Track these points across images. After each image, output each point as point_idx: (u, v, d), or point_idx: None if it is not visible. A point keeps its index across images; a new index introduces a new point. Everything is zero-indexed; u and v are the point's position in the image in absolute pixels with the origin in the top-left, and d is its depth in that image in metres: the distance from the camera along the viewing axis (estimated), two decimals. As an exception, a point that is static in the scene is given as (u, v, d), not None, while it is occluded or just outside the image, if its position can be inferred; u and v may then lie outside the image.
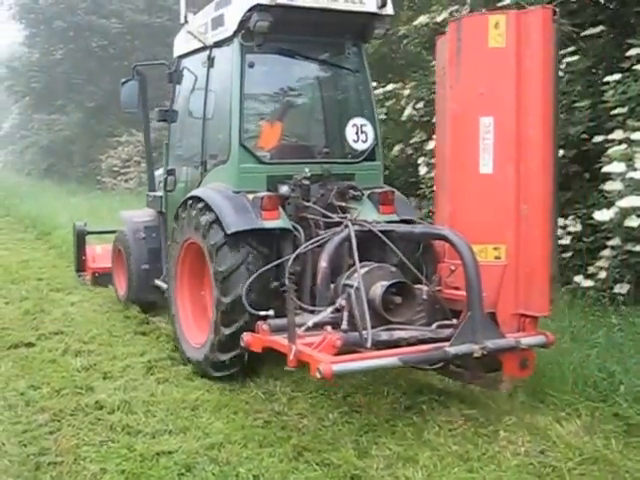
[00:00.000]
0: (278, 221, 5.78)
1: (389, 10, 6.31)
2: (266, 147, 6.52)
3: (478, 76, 5.15)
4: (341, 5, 6.05)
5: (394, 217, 6.15)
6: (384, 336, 4.86)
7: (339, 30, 6.36)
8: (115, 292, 8.89)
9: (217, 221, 5.78)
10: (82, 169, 28.61)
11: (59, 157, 30.98)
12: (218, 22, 6.38)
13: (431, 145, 9.59)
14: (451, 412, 5.30)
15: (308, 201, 5.99)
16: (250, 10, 5.92)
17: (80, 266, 9.55)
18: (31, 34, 30.58)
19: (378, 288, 5.03)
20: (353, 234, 5.24)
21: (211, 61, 6.59)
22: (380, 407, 5.46)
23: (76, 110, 28.77)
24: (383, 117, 10.94)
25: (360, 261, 5.11)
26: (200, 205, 6.05)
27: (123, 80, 7.59)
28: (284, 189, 6.01)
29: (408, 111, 10.75)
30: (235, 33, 6.13)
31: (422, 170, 10.05)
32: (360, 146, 6.41)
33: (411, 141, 10.96)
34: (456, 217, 5.36)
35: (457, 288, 5.14)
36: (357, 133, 6.33)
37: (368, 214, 6.00)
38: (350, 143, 6.39)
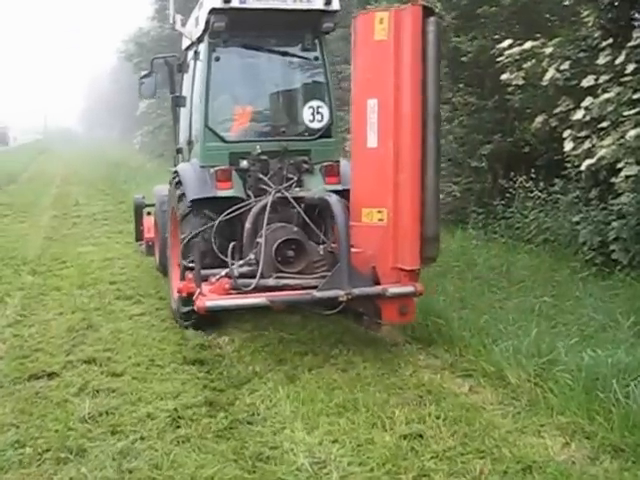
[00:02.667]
0: (230, 190, 6.72)
1: (335, 6, 6.97)
2: (238, 128, 7.36)
3: (367, 64, 5.99)
4: (290, 5, 6.85)
5: (338, 187, 6.78)
6: (271, 282, 5.92)
7: (293, 25, 7.17)
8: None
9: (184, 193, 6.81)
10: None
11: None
12: (197, 21, 7.37)
13: (579, 114, 8.19)
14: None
15: (267, 174, 6.83)
16: (210, 12, 6.81)
17: (138, 236, 9.86)
18: (161, 7, 29.36)
19: (275, 243, 6.00)
20: (270, 201, 6.31)
21: (196, 54, 7.58)
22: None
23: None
24: (520, 82, 9.25)
25: (281, 222, 6.31)
26: (177, 179, 7.10)
27: (143, 74, 8.65)
28: (244, 164, 6.90)
29: (550, 73, 8.78)
30: (203, 32, 7.11)
31: (568, 146, 8.38)
32: (316, 125, 7.20)
33: (555, 110, 9.10)
34: (354, 185, 6.24)
35: (351, 246, 5.90)
36: (313, 114, 7.17)
37: (315, 184, 6.90)
38: (307, 123, 7.19)
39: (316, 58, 7.36)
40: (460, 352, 6.03)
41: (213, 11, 6.75)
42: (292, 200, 6.48)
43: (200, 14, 7.16)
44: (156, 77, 8.48)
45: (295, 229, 6.28)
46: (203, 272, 5.97)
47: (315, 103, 7.18)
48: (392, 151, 5.76)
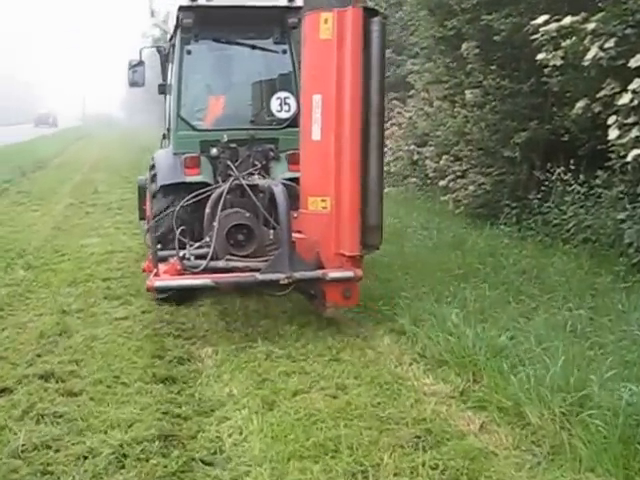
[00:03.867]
0: (198, 176, 7.15)
1: (298, 2, 7.16)
2: (208, 117, 7.76)
3: (313, 61, 6.27)
4: (254, 2, 7.31)
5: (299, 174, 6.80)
6: (221, 264, 6.25)
7: (261, 21, 7.61)
8: None
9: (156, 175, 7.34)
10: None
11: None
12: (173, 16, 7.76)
13: (625, 98, 7.26)
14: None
15: (236, 161, 7.17)
16: (178, 9, 7.29)
17: (141, 215, 9.55)
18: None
19: (227, 227, 6.31)
20: (226, 188, 6.57)
21: (172, 47, 8.00)
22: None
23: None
24: (558, 62, 8.26)
25: (236, 208, 6.55)
26: (152, 163, 7.72)
27: (133, 63, 8.81)
28: (213, 151, 7.29)
29: (593, 52, 7.75)
30: (175, 27, 7.68)
31: (612, 134, 7.45)
32: (283, 115, 7.52)
33: (599, 94, 8.04)
34: (303, 174, 6.48)
35: (298, 232, 6.29)
36: (280, 104, 7.48)
37: (279, 171, 7.31)
38: (274, 113, 7.52)
39: (284, 51, 7.74)
40: (473, 377, 5.10)
41: (181, 8, 7.28)
42: (246, 187, 6.68)
43: (174, 10, 7.62)
44: (144, 66, 8.82)
45: (247, 215, 6.49)
46: (166, 253, 6.46)
47: (283, 94, 7.54)
48: (333, 144, 6.08)
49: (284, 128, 7.46)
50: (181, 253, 6.26)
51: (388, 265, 8.18)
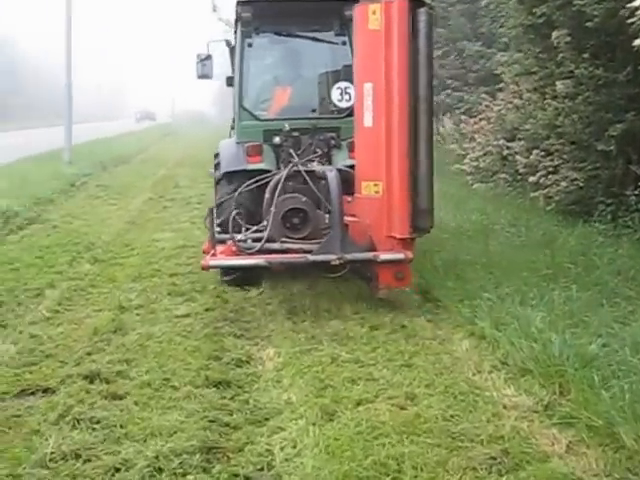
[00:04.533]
0: (260, 164, 7.39)
1: None
2: (271, 107, 8.15)
3: (363, 51, 6.52)
4: None
5: None
6: (275, 246, 6.50)
7: (319, 14, 7.87)
8: None
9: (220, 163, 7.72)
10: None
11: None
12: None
13: None
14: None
15: (298, 149, 7.44)
16: (237, 4, 7.70)
17: None
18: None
19: (283, 211, 6.54)
20: (284, 174, 6.75)
21: (235, 40, 8.30)
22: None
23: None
24: None
25: (293, 193, 6.69)
26: (217, 151, 8.06)
27: (202, 57, 9.07)
28: (276, 140, 7.59)
29: None
30: (235, 21, 8.11)
31: None
32: (344, 104, 7.59)
33: None
34: (357, 160, 6.71)
35: (352, 215, 6.55)
36: (341, 94, 7.57)
37: (340, 158, 7.48)
38: (335, 102, 7.64)
39: (344, 43, 7.90)
40: (560, 390, 4.47)
41: (239, 3, 7.68)
42: (304, 173, 6.81)
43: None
44: (212, 59, 9.09)
45: (304, 199, 6.61)
46: (226, 236, 6.67)
47: (343, 84, 7.58)
48: (384, 130, 6.28)
49: (345, 117, 7.55)
50: (238, 236, 6.56)
51: (471, 264, 7.56)
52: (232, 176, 7.40)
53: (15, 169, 18.31)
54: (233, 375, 5.06)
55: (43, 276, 7.97)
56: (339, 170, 6.68)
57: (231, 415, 4.38)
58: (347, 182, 6.58)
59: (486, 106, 15.42)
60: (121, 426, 4.20)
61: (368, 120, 6.39)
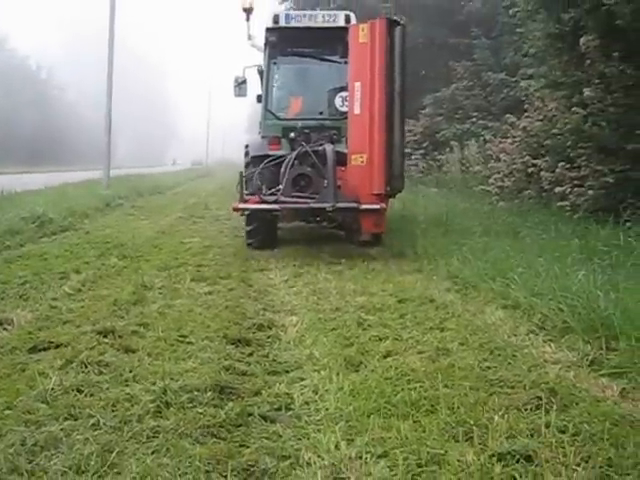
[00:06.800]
0: (278, 151, 9.44)
1: (353, 22, 9.52)
2: (289, 110, 10.30)
3: (355, 58, 8.63)
4: (321, 24, 9.88)
5: None
6: (287, 199, 8.48)
7: (327, 39, 9.95)
8: None
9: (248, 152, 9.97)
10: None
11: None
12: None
13: None
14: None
15: (308, 142, 9.02)
16: (265, 30, 10.05)
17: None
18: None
19: (292, 176, 8.60)
20: (295, 153, 8.77)
21: (263, 60, 10.42)
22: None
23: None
24: None
25: (301, 165, 8.76)
26: (246, 144, 10.47)
27: (239, 80, 11.05)
28: (291, 135, 9.32)
29: None
30: (264, 45, 10.24)
31: None
32: (344, 109, 9.44)
33: None
34: (349, 139, 8.75)
35: (345, 180, 8.56)
36: (342, 101, 9.68)
37: (339, 148, 8.91)
38: (337, 107, 9.88)
39: (345, 62, 9.30)
40: (607, 344, 4.09)
41: (268, 29, 9.94)
42: (309, 151, 8.70)
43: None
44: (247, 82, 11.10)
45: (308, 169, 8.64)
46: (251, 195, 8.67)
47: (344, 94, 9.47)
48: (368, 116, 8.34)
49: (345, 119, 9.17)
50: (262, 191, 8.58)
51: (503, 250, 7.24)
52: (257, 159, 9.33)
53: (54, 189, 18.46)
54: (253, 336, 4.79)
55: (70, 264, 7.78)
56: (337, 151, 8.55)
57: (249, 365, 4.10)
58: (341, 160, 8.49)
59: (511, 124, 15.12)
60: (130, 370, 3.93)
61: (357, 109, 8.44)
